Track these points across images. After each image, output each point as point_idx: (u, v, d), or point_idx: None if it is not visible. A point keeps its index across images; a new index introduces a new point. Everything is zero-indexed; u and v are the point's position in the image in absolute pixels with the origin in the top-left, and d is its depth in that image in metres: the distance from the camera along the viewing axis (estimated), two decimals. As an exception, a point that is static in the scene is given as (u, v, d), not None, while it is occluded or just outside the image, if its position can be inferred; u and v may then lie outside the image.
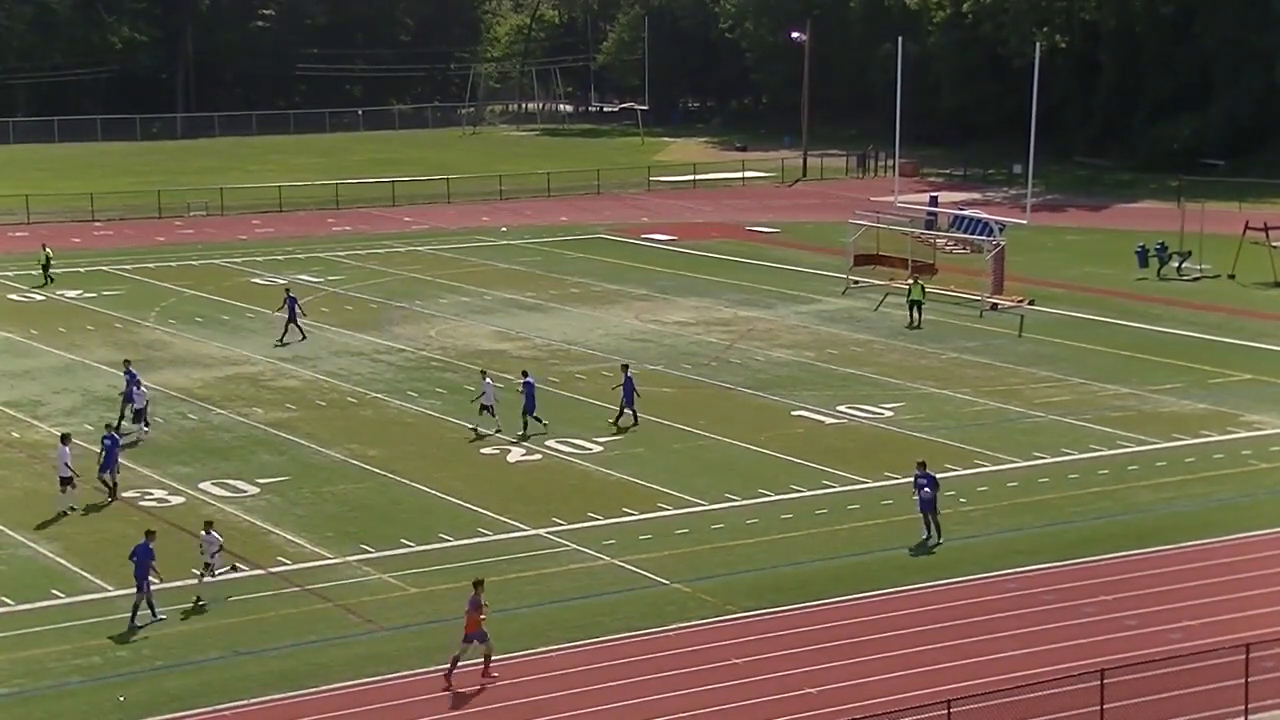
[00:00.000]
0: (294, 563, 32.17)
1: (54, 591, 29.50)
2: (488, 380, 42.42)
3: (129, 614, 28.84)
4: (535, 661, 27.27)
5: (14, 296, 62.36)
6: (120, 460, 36.84)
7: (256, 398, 45.87)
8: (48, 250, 65.51)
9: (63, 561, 31.68)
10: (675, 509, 35.25)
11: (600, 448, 40.30)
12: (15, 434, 41.69)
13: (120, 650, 27.76)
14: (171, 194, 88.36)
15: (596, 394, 45.89)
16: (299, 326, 53.36)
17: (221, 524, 34.42)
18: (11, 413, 43.54)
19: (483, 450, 40.39)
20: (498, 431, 41.15)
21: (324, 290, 63.77)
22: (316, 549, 32.96)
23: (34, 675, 26.83)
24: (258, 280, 66.35)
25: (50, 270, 64.43)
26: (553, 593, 30.50)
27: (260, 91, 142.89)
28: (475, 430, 41.71)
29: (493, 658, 26.52)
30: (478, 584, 26.79)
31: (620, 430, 41.65)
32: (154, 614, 28.80)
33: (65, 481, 34.85)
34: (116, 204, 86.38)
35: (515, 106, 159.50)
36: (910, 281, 57.49)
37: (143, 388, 41.90)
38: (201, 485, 37.21)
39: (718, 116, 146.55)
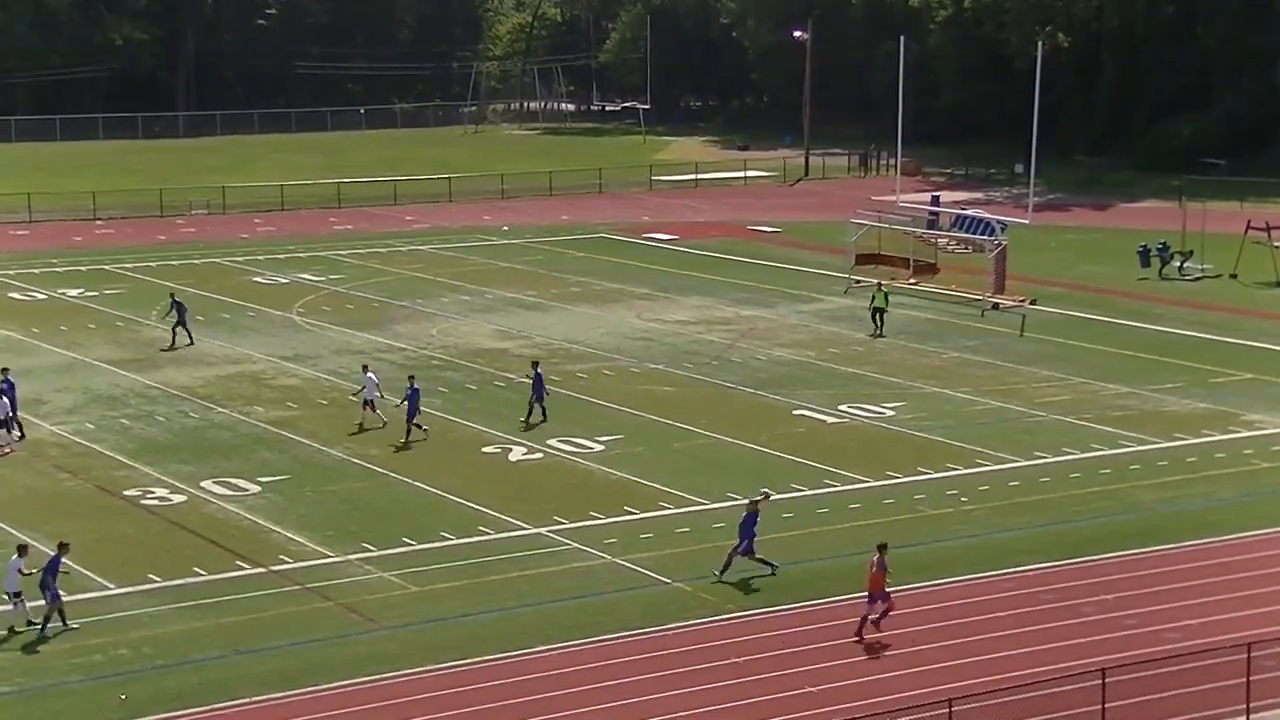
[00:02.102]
0: (295, 561, 32.18)
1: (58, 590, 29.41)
2: (370, 375, 42.54)
3: (89, 617, 28.98)
4: (535, 660, 27.28)
5: (15, 295, 62.38)
6: (118, 458, 36.79)
7: (258, 396, 45.88)
8: None
9: (64, 559, 31.61)
10: (677, 508, 35.26)
11: (602, 447, 40.30)
12: (17, 432, 41.67)
13: (121, 649, 27.77)
14: (173, 193, 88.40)
15: (599, 393, 45.91)
16: (188, 331, 52.36)
17: (223, 523, 34.55)
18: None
19: (484, 449, 40.39)
20: (384, 426, 41.13)
21: (325, 289, 63.79)
22: (318, 548, 32.97)
23: (34, 673, 26.85)
24: (259, 279, 66.37)
25: None
26: (553, 591, 30.51)
27: (261, 90, 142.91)
28: (359, 426, 41.81)
29: (890, 613, 27.87)
30: (882, 547, 28.30)
31: (529, 427, 41.58)
32: (64, 623, 28.34)
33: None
34: (118, 203, 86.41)
35: (517, 105, 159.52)
36: (876, 288, 56.46)
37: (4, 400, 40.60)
38: (203, 484, 37.22)
39: (719, 115, 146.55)
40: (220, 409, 44.31)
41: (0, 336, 53.89)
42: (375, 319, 57.63)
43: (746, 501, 32.05)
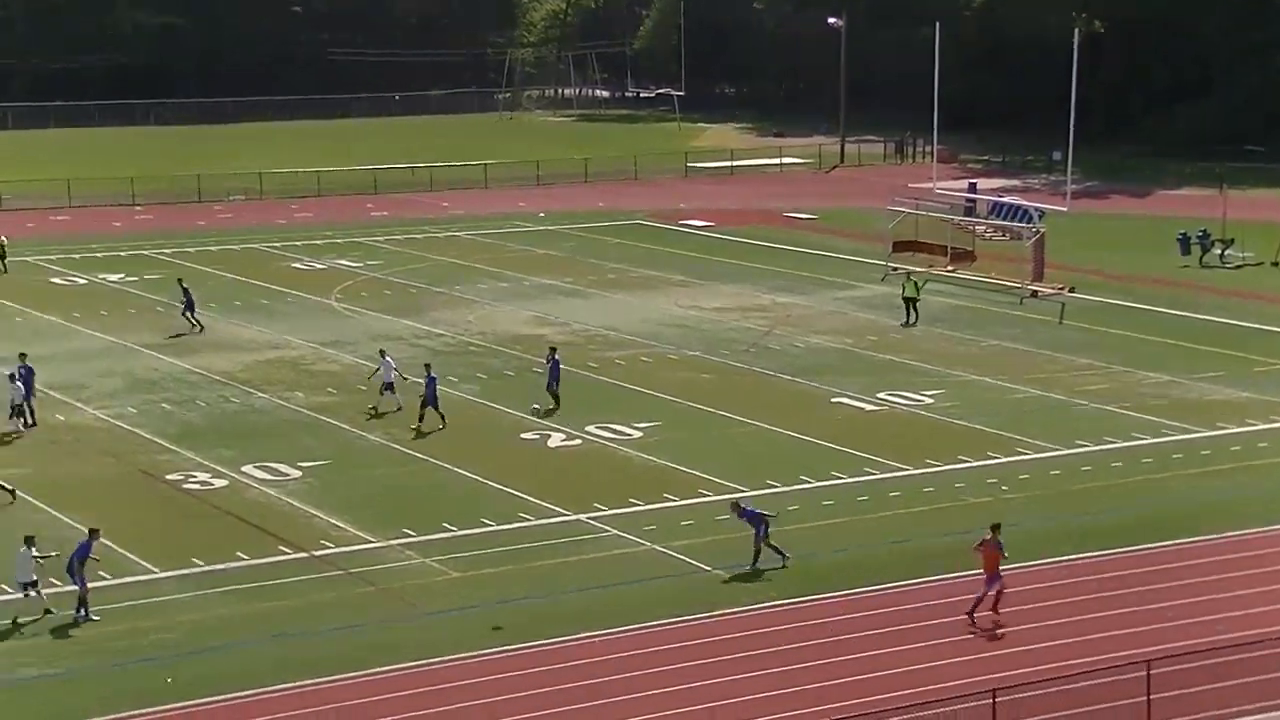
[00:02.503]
0: (337, 546, 32.30)
1: (101, 574, 29.64)
2: (388, 359, 42.79)
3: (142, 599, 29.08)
4: (579, 647, 27.32)
5: (56, 280, 62.73)
6: (160, 442, 36.96)
7: (297, 382, 46.05)
8: (2, 240, 64.60)
9: (107, 543, 31.78)
10: (716, 495, 35.24)
11: (640, 433, 40.33)
12: (60, 417, 41.96)
13: (165, 632, 27.94)
14: (211, 179, 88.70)
15: (637, 379, 45.96)
16: (194, 319, 52.39)
17: (265, 507, 34.72)
18: (56, 395, 43.81)
19: (523, 435, 40.47)
20: (399, 410, 41.29)
21: (363, 275, 63.96)
22: (359, 532, 33.10)
23: (82, 655, 27.03)
24: (297, 265, 66.58)
25: (5, 260, 63.66)
26: (594, 578, 30.55)
27: (297, 77, 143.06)
28: (374, 409, 41.98)
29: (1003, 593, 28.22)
30: (995, 527, 28.64)
31: (545, 414, 41.71)
32: (86, 613, 28.37)
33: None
34: (158, 189, 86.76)
35: (551, 92, 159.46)
36: (905, 277, 56.23)
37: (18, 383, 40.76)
38: (244, 468, 37.39)
39: (754, 102, 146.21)
40: (260, 394, 44.49)
41: (42, 322, 54.22)
42: (413, 305, 57.75)
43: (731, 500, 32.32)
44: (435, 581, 30.50)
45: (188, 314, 52.58)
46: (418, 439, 39.87)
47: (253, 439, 40.07)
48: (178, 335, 51.87)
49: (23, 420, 40.30)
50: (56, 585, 28.92)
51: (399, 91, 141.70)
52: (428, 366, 41.86)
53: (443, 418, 40.64)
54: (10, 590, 28.77)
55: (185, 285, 53.44)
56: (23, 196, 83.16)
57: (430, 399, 40.62)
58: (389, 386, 42.20)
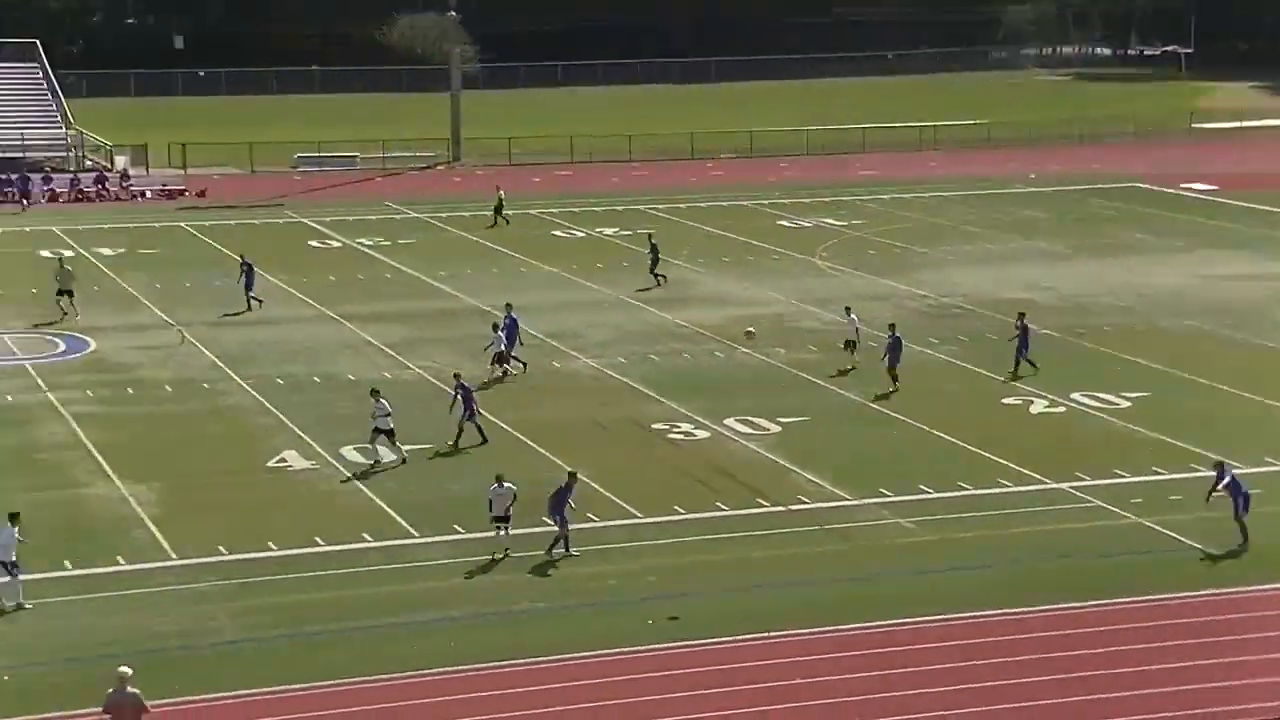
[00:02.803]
0: (813, 502, 32.59)
1: (589, 515, 30.86)
2: (853, 316, 42.41)
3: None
4: (1066, 617, 26.57)
5: (557, 233, 65.59)
6: (647, 392, 38.12)
7: (779, 338, 46.61)
8: (501, 193, 67.36)
9: (594, 485, 33.01)
10: (1206, 470, 33.55)
11: (1128, 403, 38.91)
12: (555, 364, 43.92)
13: (648, 575, 28.67)
14: (704, 137, 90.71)
15: (1126, 347, 44.36)
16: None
17: (744, 460, 35.35)
18: (553, 343, 45.87)
19: (1004, 400, 39.73)
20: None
21: (848, 234, 64.12)
22: (835, 489, 33.27)
23: (565, 594, 28.06)
24: (783, 223, 67.36)
25: (504, 213, 66.26)
26: (1075, 548, 29.71)
27: (804, 36, 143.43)
28: (849, 367, 41.73)
29: None
30: None
31: (1017, 377, 39.98)
32: (567, 548, 29.35)
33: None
34: (652, 146, 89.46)
35: (1049, 50, 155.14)
36: None
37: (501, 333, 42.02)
38: (726, 421, 38.13)
39: (1273, 59, 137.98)
40: (743, 349, 45.26)
41: (543, 274, 56.82)
42: (897, 265, 57.46)
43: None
44: (909, 543, 30.34)
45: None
46: (880, 399, 39.67)
47: (734, 392, 40.83)
48: (644, 290, 53.04)
49: (503, 368, 42.11)
50: (544, 525, 30.13)
51: (893, 50, 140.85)
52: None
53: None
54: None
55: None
56: (531, 153, 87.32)
57: (892, 360, 40.43)
58: (851, 344, 42.40)
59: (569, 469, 30.71)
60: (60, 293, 48.42)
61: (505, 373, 41.84)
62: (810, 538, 30.76)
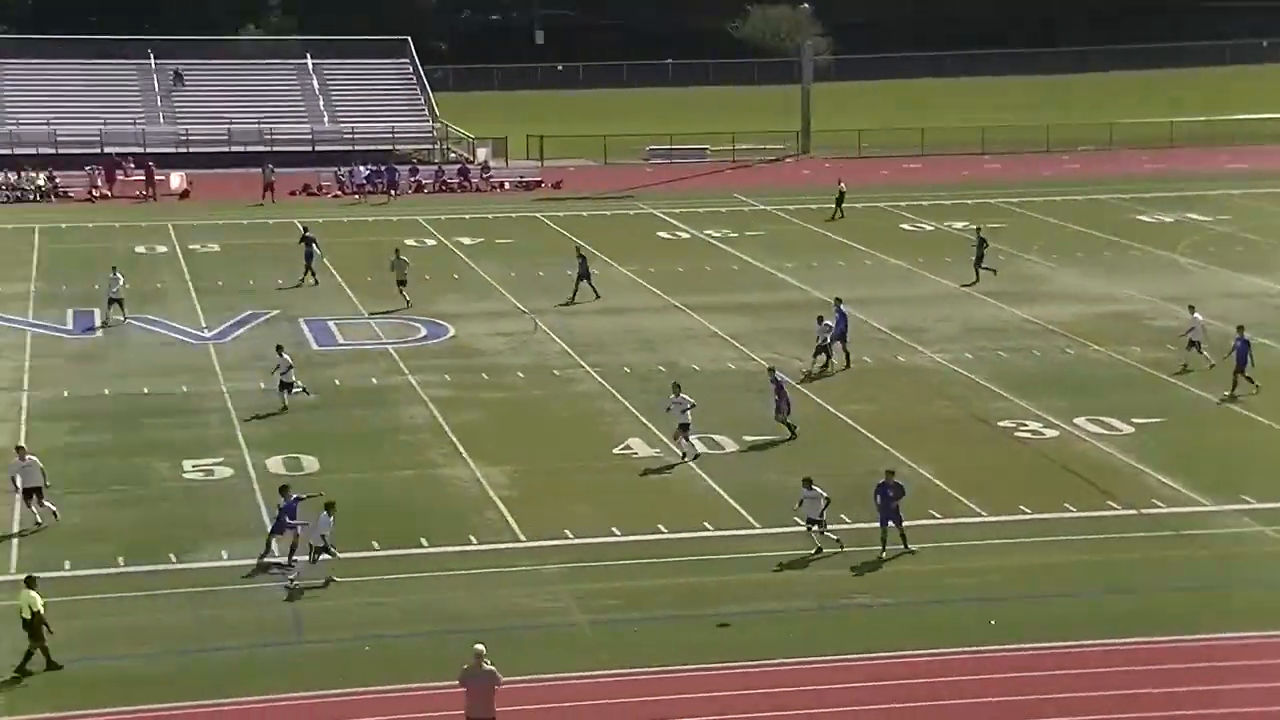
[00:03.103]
0: (1168, 506, 31.40)
1: (931, 512, 30.46)
2: (1196, 315, 40.73)
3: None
4: None
5: (905, 226, 64.84)
6: (994, 388, 37.32)
7: (1135, 336, 45.04)
8: (842, 185, 66.83)
9: (937, 483, 32.62)
10: None
11: None
12: (900, 358, 43.45)
13: (993, 575, 28.16)
14: (1060, 129, 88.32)
15: None
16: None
17: (1095, 461, 34.30)
18: (898, 338, 45.40)
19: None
20: (1211, 367, 37.48)
21: (1212, 229, 61.54)
22: (1192, 494, 31.97)
23: (905, 589, 27.80)
24: (1143, 218, 65.07)
25: (843, 205, 65.67)
26: None
27: (1148, 28, 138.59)
28: (1184, 366, 40.12)
29: None
30: None
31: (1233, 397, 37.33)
32: (906, 545, 29.01)
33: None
34: (1004, 138, 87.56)
35: None
36: None
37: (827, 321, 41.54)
38: (1076, 420, 37.08)
39: None
40: (1096, 346, 43.93)
41: (889, 266, 56.28)
42: (1263, 263, 54.86)
43: None
44: (1274, 552, 28.92)
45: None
46: (1227, 400, 37.87)
47: (1086, 391, 39.66)
48: (969, 283, 51.84)
49: (826, 361, 41.69)
50: (841, 522, 29.81)
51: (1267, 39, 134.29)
52: (1240, 328, 39.65)
53: (1254, 384, 38.34)
54: (801, 524, 29.59)
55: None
56: (880, 146, 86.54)
57: (1240, 363, 38.41)
58: (1196, 344, 40.62)
59: (886, 469, 30.11)
60: (400, 283, 50.49)
61: (824, 366, 41.70)
62: (1165, 542, 29.63)
